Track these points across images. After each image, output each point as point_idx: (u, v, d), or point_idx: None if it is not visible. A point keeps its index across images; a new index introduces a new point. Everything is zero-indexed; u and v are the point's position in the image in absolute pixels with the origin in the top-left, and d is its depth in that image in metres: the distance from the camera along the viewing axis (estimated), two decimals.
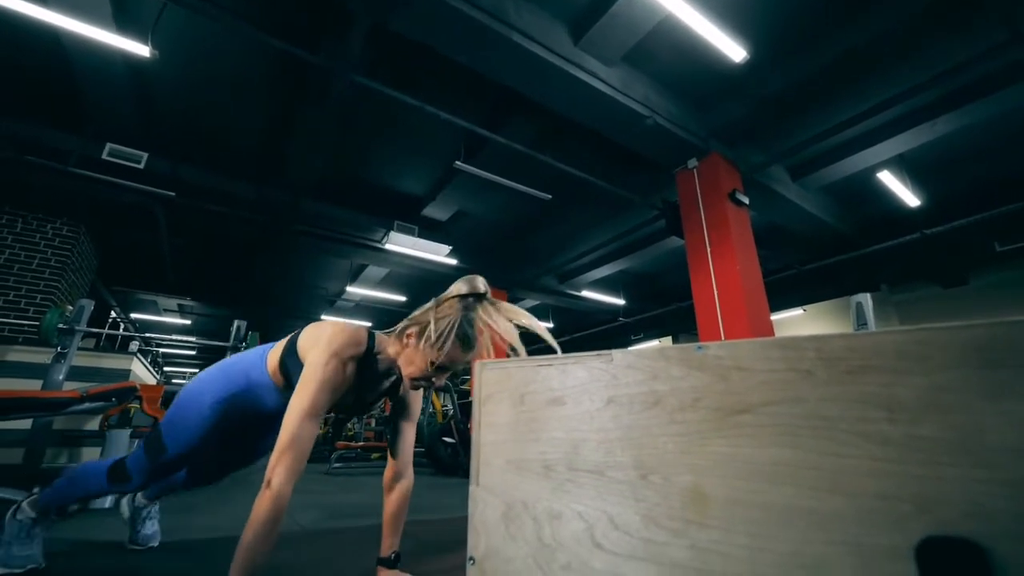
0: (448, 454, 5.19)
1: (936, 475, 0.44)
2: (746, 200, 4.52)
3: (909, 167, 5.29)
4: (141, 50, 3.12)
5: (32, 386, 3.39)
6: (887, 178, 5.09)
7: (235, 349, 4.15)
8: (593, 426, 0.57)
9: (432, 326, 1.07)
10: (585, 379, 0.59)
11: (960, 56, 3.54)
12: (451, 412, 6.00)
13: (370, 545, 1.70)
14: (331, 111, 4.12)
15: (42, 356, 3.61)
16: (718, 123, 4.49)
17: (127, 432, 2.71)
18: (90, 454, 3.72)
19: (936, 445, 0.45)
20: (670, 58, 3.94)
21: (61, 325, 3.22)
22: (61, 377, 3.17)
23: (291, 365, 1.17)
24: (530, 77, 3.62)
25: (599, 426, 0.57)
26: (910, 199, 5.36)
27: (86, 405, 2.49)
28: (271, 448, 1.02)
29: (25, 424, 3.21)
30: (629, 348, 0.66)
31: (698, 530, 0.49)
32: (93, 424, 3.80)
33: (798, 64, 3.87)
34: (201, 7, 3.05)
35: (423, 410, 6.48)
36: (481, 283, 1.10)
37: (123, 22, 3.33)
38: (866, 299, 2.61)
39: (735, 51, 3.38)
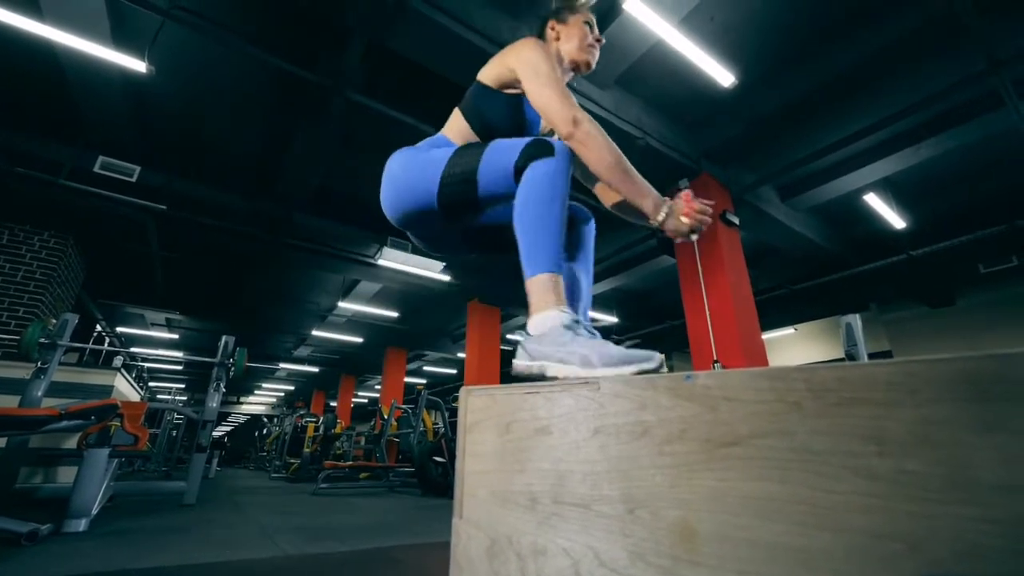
0: (439, 474, 5.09)
1: (927, 512, 0.43)
2: (737, 220, 4.58)
3: (895, 190, 5.41)
4: (138, 66, 3.13)
5: (9, 402, 3.29)
6: (873, 200, 5.19)
7: (222, 365, 4.07)
8: (579, 457, 0.56)
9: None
10: (572, 407, 0.58)
11: (942, 83, 3.66)
12: (442, 430, 5.91)
13: (353, 570, 1.64)
14: (327, 127, 4.15)
15: (21, 371, 3.51)
16: (709, 145, 4.58)
17: (106, 451, 2.63)
18: (67, 474, 3.60)
19: (926, 480, 0.44)
20: (662, 82, 4.03)
21: (43, 340, 3.15)
22: (40, 393, 3.08)
23: (487, 102, 1.08)
24: None
25: (585, 457, 0.55)
26: (896, 221, 5.46)
27: (64, 423, 2.42)
28: None
29: None
30: (617, 374, 0.65)
31: (687, 568, 0.47)
32: (71, 443, 3.68)
33: (786, 89, 3.97)
34: (199, 25, 3.08)
35: (413, 429, 6.38)
36: None
37: (121, 38, 3.35)
38: (855, 320, 2.62)
39: (724, 76, 3.47)
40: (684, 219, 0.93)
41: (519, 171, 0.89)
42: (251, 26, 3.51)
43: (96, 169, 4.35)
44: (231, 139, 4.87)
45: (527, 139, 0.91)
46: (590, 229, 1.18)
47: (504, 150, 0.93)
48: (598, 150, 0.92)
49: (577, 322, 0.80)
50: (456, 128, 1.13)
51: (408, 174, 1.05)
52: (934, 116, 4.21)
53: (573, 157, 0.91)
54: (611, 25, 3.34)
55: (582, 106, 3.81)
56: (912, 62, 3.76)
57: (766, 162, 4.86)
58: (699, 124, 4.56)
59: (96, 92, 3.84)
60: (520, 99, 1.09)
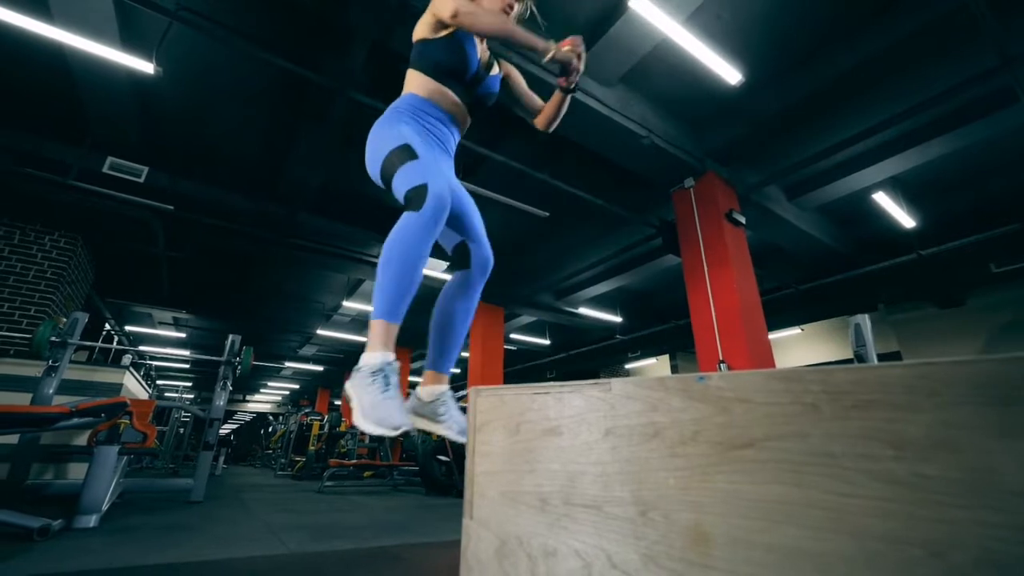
0: (442, 473, 5.10)
1: (946, 517, 0.42)
2: (743, 219, 4.55)
3: (903, 189, 5.35)
4: (145, 67, 3.15)
5: (21, 400, 3.33)
6: (882, 199, 5.14)
7: (229, 364, 4.10)
8: (591, 458, 0.55)
9: None
10: (583, 408, 0.58)
11: (951, 80, 3.61)
12: None
13: (357, 568, 1.65)
14: (331, 127, 4.16)
15: (33, 369, 3.55)
16: (714, 143, 4.54)
17: (115, 448, 2.65)
18: (77, 471, 3.64)
19: (945, 485, 0.43)
20: (667, 80, 4.01)
21: (54, 338, 3.18)
22: (51, 391, 3.12)
23: (431, 51, 1.25)
24: None
25: (597, 458, 0.55)
26: (905, 220, 5.40)
27: (75, 420, 2.44)
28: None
29: (11, 439, 3.14)
30: (628, 376, 0.65)
31: (700, 572, 0.47)
32: (81, 440, 3.72)
33: (793, 87, 3.93)
34: (204, 26, 3.10)
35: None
36: None
37: (129, 39, 3.37)
38: (864, 320, 2.60)
39: (731, 74, 3.44)
40: (565, 47, 1.17)
41: (405, 202, 1.04)
42: (255, 28, 3.52)
43: (105, 170, 4.38)
44: (235, 140, 4.89)
45: (422, 178, 1.02)
46: (481, 277, 1.30)
47: (408, 177, 1.05)
48: (486, 17, 1.13)
49: (389, 364, 0.94)
50: (417, 83, 1.26)
51: (372, 146, 1.19)
52: (944, 114, 4.15)
53: (439, 221, 1.02)
54: (616, 22, 3.32)
55: (584, 104, 3.73)
56: (921, 59, 3.71)
57: (772, 161, 4.82)
58: (704, 122, 4.53)
59: (102, 93, 3.87)
60: (456, 38, 1.24)
